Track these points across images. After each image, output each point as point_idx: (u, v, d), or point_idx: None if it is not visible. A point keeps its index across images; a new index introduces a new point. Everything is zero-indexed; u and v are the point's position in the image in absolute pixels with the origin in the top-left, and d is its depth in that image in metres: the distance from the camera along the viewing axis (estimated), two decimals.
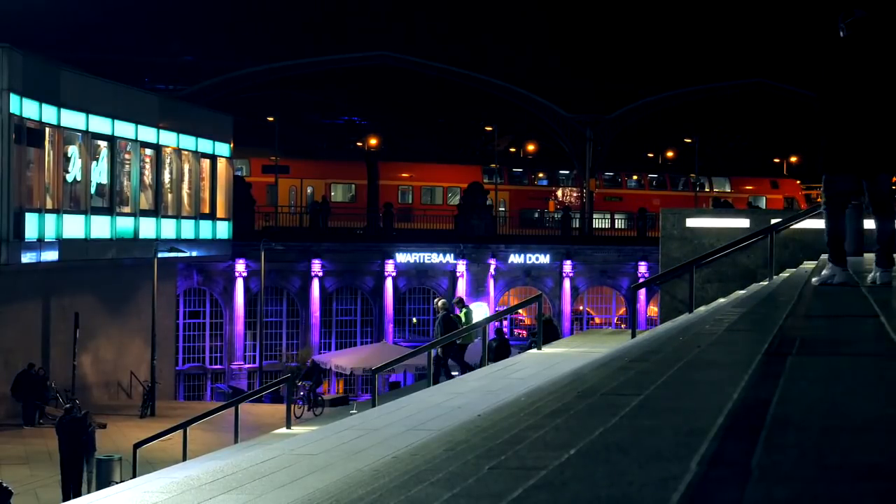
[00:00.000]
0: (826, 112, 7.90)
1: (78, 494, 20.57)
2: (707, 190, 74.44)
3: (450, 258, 56.69)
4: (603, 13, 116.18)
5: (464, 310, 25.54)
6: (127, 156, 39.11)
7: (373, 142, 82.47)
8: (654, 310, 54.72)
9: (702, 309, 14.19)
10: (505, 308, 50.17)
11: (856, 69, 7.90)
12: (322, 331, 54.31)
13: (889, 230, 8.12)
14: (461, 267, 56.62)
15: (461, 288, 56.54)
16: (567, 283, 58.85)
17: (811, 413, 2.93)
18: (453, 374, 23.12)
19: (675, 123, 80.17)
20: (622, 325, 57.63)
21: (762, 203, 71.21)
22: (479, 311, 54.74)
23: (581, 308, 61.08)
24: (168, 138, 41.98)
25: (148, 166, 40.90)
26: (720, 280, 17.45)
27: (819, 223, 15.16)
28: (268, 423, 26.53)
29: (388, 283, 55.42)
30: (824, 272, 8.22)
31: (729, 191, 75.34)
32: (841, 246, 8.10)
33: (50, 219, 33.59)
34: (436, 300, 27.06)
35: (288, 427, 18.04)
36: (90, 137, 36.26)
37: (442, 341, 21.72)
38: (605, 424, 2.93)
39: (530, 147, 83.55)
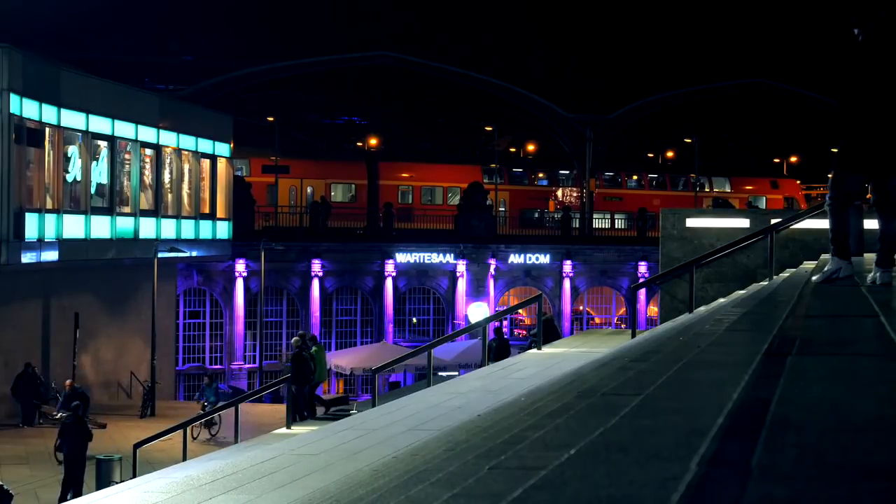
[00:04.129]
0: (846, 112, 7.93)
1: (78, 495, 20.59)
2: (707, 190, 74.44)
3: (450, 258, 56.69)
4: (603, 13, 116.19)
5: (314, 347, 25.47)
6: (127, 156, 39.11)
7: (373, 142, 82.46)
8: (654, 310, 54.73)
9: (702, 309, 14.18)
10: (505, 308, 50.15)
11: (877, 71, 7.91)
12: (322, 331, 54.27)
13: (894, 230, 8.15)
14: (461, 267, 56.63)
15: (461, 288, 56.55)
16: (567, 283, 58.84)
17: (811, 413, 2.93)
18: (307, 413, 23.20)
19: (675, 123, 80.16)
20: (622, 325, 57.63)
21: (762, 203, 71.22)
22: (479, 311, 54.78)
23: (581, 308, 61.07)
24: (168, 138, 41.98)
25: (148, 166, 40.90)
26: (720, 280, 17.45)
27: (819, 223, 15.18)
28: (268, 423, 26.54)
29: (388, 283, 55.42)
30: (828, 267, 8.24)
31: (729, 191, 75.35)
32: (846, 241, 8.14)
33: (50, 219, 33.58)
34: (296, 336, 27.57)
35: (288, 427, 18.06)
36: (90, 137, 36.26)
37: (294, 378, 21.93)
38: (605, 424, 2.93)
39: (530, 147, 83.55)
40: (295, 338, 26.85)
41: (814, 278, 8.47)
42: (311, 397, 24.72)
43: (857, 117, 7.89)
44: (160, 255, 38.18)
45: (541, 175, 73.81)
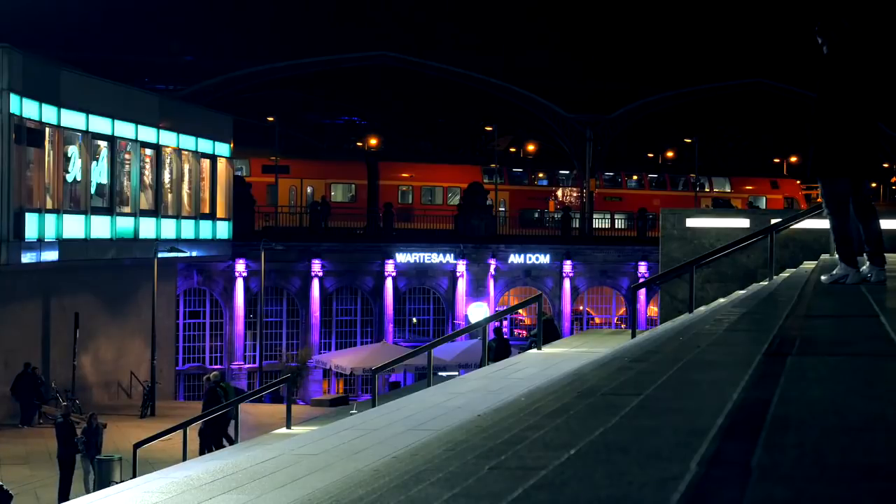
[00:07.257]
0: (820, 119, 7.99)
1: (67, 495, 20.68)
2: (707, 190, 74.43)
3: (450, 258, 56.67)
4: (603, 13, 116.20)
5: (221, 385, 26.33)
6: (127, 156, 39.10)
7: (373, 142, 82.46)
8: (654, 310, 54.72)
9: (702, 309, 14.18)
10: (505, 308, 50.13)
11: (845, 80, 7.98)
12: (322, 331, 54.29)
13: (877, 229, 8.23)
14: (461, 267, 56.62)
15: (461, 288, 56.54)
16: (567, 283, 58.83)
17: (811, 413, 2.93)
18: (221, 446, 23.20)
19: (675, 123, 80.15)
20: (622, 325, 57.61)
21: (762, 203, 71.22)
22: (479, 311, 54.78)
23: (581, 308, 61.05)
24: (168, 138, 41.97)
25: (148, 166, 40.89)
26: (720, 280, 17.46)
27: (819, 223, 15.19)
28: (268, 423, 26.55)
29: (388, 283, 55.41)
30: (836, 271, 8.27)
31: (729, 191, 75.35)
32: (850, 247, 8.17)
33: (50, 219, 33.58)
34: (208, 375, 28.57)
35: (288, 427, 18.05)
36: (90, 137, 36.25)
37: (206, 415, 22.33)
38: (605, 424, 2.93)
39: (530, 147, 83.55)
40: (214, 374, 28.08)
41: (822, 278, 8.49)
42: (223, 433, 24.78)
43: (833, 123, 7.95)
44: (160, 255, 38.19)
45: (541, 175, 73.79)
